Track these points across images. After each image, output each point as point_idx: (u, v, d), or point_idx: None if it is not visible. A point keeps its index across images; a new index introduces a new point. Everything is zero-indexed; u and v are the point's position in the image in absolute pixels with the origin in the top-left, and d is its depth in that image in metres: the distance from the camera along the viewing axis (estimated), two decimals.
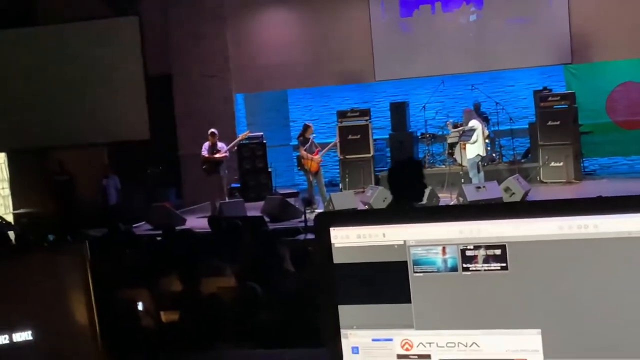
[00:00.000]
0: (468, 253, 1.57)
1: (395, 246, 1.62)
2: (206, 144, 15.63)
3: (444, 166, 17.28)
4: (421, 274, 1.61)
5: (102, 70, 18.01)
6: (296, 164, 17.00)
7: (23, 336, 1.99)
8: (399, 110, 18.69)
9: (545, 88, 17.37)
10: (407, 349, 1.64)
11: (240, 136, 16.60)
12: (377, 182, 16.94)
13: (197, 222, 14.64)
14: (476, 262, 1.57)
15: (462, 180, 14.65)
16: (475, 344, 1.59)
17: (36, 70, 18.27)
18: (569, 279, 1.52)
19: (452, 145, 16.46)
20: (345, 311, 1.66)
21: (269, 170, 18.26)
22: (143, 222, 15.23)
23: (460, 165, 15.46)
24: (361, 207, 14.31)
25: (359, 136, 17.73)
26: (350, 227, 1.65)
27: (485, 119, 16.61)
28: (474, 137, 14.40)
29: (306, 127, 15.72)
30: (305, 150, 15.40)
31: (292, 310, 5.11)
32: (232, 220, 11.75)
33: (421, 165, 5.10)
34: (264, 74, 18.95)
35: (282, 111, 20.78)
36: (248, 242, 9.01)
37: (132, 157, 18.41)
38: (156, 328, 5.89)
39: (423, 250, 1.60)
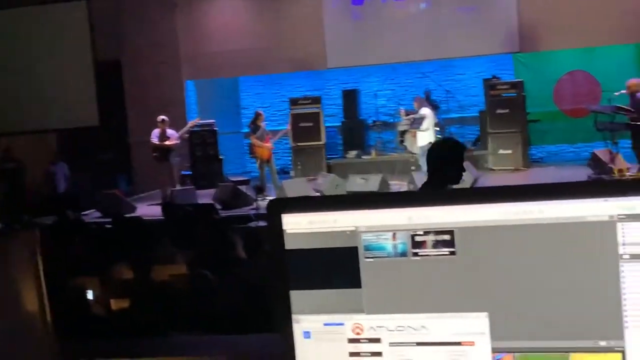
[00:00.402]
0: (417, 238, 1.60)
1: (347, 232, 1.64)
2: (156, 131, 15.50)
3: (395, 154, 17.40)
4: (372, 259, 1.63)
5: (51, 55, 17.73)
6: (248, 152, 16.95)
7: None
8: (350, 98, 18.77)
9: (494, 76, 17.59)
10: (357, 333, 1.66)
11: (190, 123, 16.50)
12: (329, 170, 17.01)
13: (147, 210, 14.55)
14: (425, 248, 1.60)
15: (413, 168, 14.76)
16: (424, 327, 1.62)
17: None
18: (515, 263, 1.56)
19: (403, 133, 16.57)
20: (297, 296, 1.68)
21: (220, 157, 18.20)
22: (92, 210, 15.07)
23: (411, 152, 15.57)
24: (313, 194, 14.36)
25: (310, 124, 17.76)
26: (302, 214, 1.67)
27: (435, 107, 16.75)
28: (424, 125, 14.52)
29: (257, 115, 15.70)
30: (256, 137, 15.39)
31: (245, 298, 5.12)
32: (184, 207, 11.72)
33: (464, 149, 4.95)
34: (215, 61, 18.86)
35: (233, 98, 20.69)
36: (200, 229, 8.98)
37: (81, 144, 18.21)
38: (107, 316, 5.85)
39: (373, 236, 1.62)
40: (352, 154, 17.97)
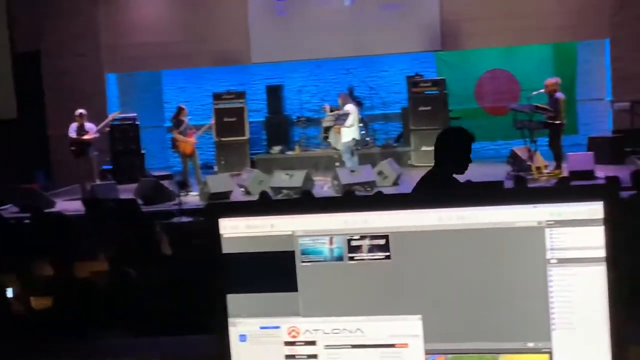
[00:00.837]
0: (354, 243, 1.63)
1: (284, 236, 1.66)
2: (74, 125, 15.20)
3: (319, 149, 17.46)
4: (308, 264, 1.66)
5: None
6: (170, 146, 16.79)
7: None
8: (275, 93, 18.75)
9: (417, 74, 17.81)
10: (294, 336, 1.69)
11: (110, 116, 16.22)
12: (253, 165, 16.96)
13: (68, 205, 14.29)
14: (361, 252, 1.63)
15: (337, 164, 14.85)
16: (360, 330, 1.65)
17: None
18: (448, 267, 1.60)
19: (328, 129, 16.64)
20: (233, 300, 1.70)
21: (142, 152, 17.97)
22: (9, 205, 14.71)
23: (335, 148, 15.66)
24: (236, 189, 14.33)
25: (234, 119, 17.68)
26: (240, 218, 1.68)
27: (359, 103, 16.87)
28: (349, 121, 14.61)
29: (180, 109, 15.57)
30: (179, 132, 15.25)
31: (171, 296, 5.08)
32: (105, 202, 11.55)
33: (472, 139, 4.84)
34: (136, 54, 18.58)
35: (156, 92, 20.42)
36: (122, 225, 8.87)
37: None
38: (27, 315, 5.74)
39: (310, 241, 1.65)
40: (276, 149, 17.96)
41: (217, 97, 17.90)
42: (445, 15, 17.68)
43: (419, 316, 1.62)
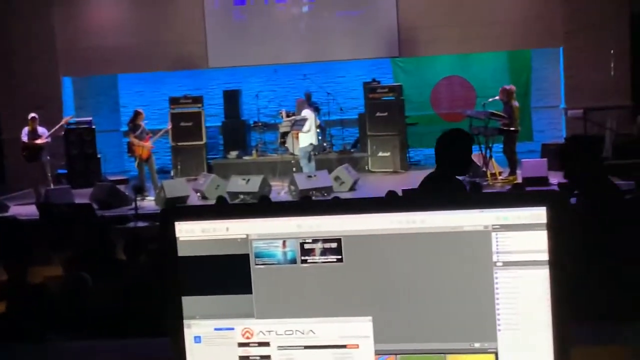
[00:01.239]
0: (307, 246, 1.67)
1: (238, 240, 1.69)
2: (25, 129, 15.07)
3: (276, 155, 17.48)
4: (262, 266, 1.69)
5: None
6: (127, 150, 16.66)
7: None
8: (232, 98, 18.74)
9: (374, 80, 17.91)
10: (247, 337, 1.72)
11: (63, 120, 16.08)
12: (210, 170, 16.94)
13: (21, 209, 14.13)
14: (314, 255, 1.67)
15: (294, 169, 14.89)
16: (312, 331, 1.69)
17: None
18: (398, 270, 1.65)
19: (285, 134, 16.67)
20: (188, 302, 1.72)
21: (98, 156, 17.83)
22: None
23: (292, 154, 15.69)
24: (193, 194, 14.29)
25: (191, 123, 17.64)
26: (195, 222, 1.71)
27: (316, 109, 16.93)
28: (306, 127, 14.65)
29: (137, 114, 15.47)
30: (136, 136, 15.16)
31: (126, 299, 5.08)
32: (60, 207, 11.46)
33: (472, 140, 4.77)
34: (93, 57, 18.42)
35: (112, 96, 20.27)
36: (77, 229, 8.82)
37: None
38: None
39: (264, 244, 1.69)
40: (233, 154, 17.93)
41: (174, 101, 17.84)
42: (403, 22, 17.82)
43: (370, 317, 1.67)
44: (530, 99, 18.25)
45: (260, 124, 18.30)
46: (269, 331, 1.71)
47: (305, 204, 1.78)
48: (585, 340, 1.96)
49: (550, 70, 18.30)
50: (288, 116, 16.31)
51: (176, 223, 1.71)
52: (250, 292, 1.70)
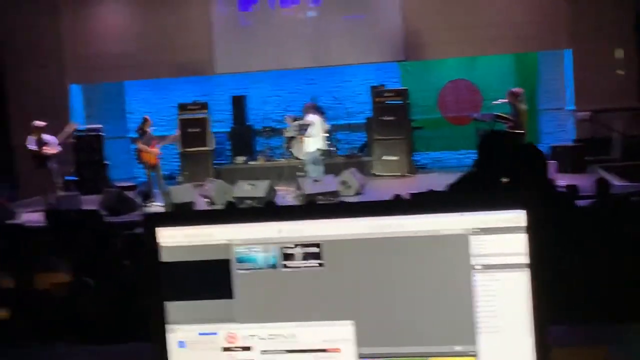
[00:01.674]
0: (287, 251, 1.69)
1: (220, 245, 1.71)
2: (31, 138, 15.15)
3: (282, 160, 17.51)
4: (244, 271, 1.71)
5: None
6: (135, 157, 16.72)
7: None
8: (239, 104, 18.80)
9: (380, 84, 17.91)
10: (231, 342, 1.73)
11: (68, 127, 16.08)
12: (217, 176, 16.97)
13: (31, 216, 14.19)
14: (295, 260, 1.68)
15: (300, 174, 14.90)
16: (294, 335, 1.71)
17: None
18: (378, 274, 1.66)
19: (290, 139, 16.69)
20: (172, 307, 1.74)
21: (106, 162, 17.90)
22: None
23: (298, 158, 15.71)
24: (200, 200, 14.32)
25: (198, 129, 17.67)
26: (177, 227, 1.72)
27: (322, 114, 16.94)
28: (312, 131, 14.66)
29: (145, 120, 15.53)
30: (143, 143, 15.21)
31: (122, 306, 5.09)
32: (68, 213, 11.50)
33: (517, 141, 4.61)
34: (100, 65, 18.51)
35: (119, 103, 20.34)
36: (84, 236, 8.84)
37: None
38: None
39: (246, 249, 1.70)
40: (240, 159, 17.98)
41: (182, 107, 17.89)
42: (408, 26, 17.82)
43: (351, 321, 1.68)
44: (537, 101, 18.21)
45: (267, 129, 18.34)
46: (252, 335, 1.72)
47: (285, 209, 1.79)
48: (564, 341, 1.96)
49: (558, 72, 18.25)
50: (293, 121, 16.33)
51: (158, 229, 1.72)
52: (233, 297, 1.71)
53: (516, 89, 14.37)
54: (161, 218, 1.75)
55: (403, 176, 16.47)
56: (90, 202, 14.72)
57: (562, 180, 13.29)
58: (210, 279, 1.72)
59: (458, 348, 1.65)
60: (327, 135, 16.43)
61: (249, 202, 13.46)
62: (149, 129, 15.37)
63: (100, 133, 17.90)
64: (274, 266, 1.69)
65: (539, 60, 18.39)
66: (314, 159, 14.90)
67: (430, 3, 17.70)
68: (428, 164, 18.09)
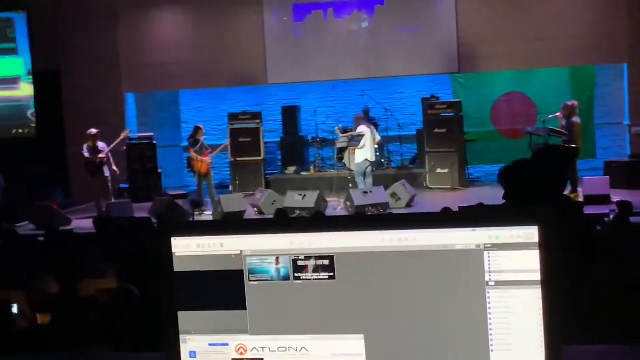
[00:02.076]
0: (299, 263, 1.67)
1: (233, 256, 1.70)
2: (85, 145, 15.37)
3: (333, 170, 17.50)
4: (256, 282, 1.70)
5: None
6: (186, 165, 16.88)
7: None
8: (290, 114, 18.84)
9: (432, 96, 17.81)
10: (241, 353, 1.73)
11: (122, 135, 16.26)
12: (268, 185, 17.03)
13: (83, 223, 14.40)
14: (307, 272, 1.67)
15: (351, 185, 14.87)
16: (305, 348, 1.69)
17: None
18: (390, 288, 1.64)
19: (342, 150, 16.68)
20: (184, 317, 1.74)
21: (159, 171, 18.10)
22: (26, 222, 14.85)
23: (349, 170, 15.68)
24: (250, 210, 14.38)
25: (250, 139, 17.77)
26: (191, 237, 1.73)
27: (374, 125, 16.89)
28: (362, 143, 14.63)
29: (197, 129, 15.67)
30: (195, 151, 15.35)
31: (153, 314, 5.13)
32: (117, 221, 11.64)
33: (569, 156, 4.52)
34: (155, 74, 18.76)
35: (173, 112, 20.59)
36: (133, 243, 8.94)
37: (17, 155, 17.98)
38: (31, 330, 5.81)
39: (258, 260, 1.69)
40: (291, 170, 18.03)
41: (233, 117, 18.01)
42: (462, 38, 17.70)
43: (362, 335, 1.66)
44: (593, 115, 17.91)
45: (318, 139, 18.36)
46: (263, 347, 1.71)
47: (298, 221, 1.78)
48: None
49: (615, 86, 17.95)
50: (344, 132, 16.33)
51: (172, 239, 1.73)
52: (245, 308, 1.71)
53: (571, 102, 14.15)
54: (176, 228, 1.75)
55: (455, 189, 16.32)
56: (141, 210, 14.89)
57: (616, 197, 13.08)
58: (222, 290, 1.71)
59: None
60: (378, 147, 16.37)
61: (298, 212, 13.46)
62: (202, 138, 15.51)
63: (153, 141, 18.11)
64: (286, 278, 1.69)
65: (596, 73, 18.09)
66: (363, 171, 14.86)
67: (486, 15, 17.54)
68: (481, 177, 17.92)
